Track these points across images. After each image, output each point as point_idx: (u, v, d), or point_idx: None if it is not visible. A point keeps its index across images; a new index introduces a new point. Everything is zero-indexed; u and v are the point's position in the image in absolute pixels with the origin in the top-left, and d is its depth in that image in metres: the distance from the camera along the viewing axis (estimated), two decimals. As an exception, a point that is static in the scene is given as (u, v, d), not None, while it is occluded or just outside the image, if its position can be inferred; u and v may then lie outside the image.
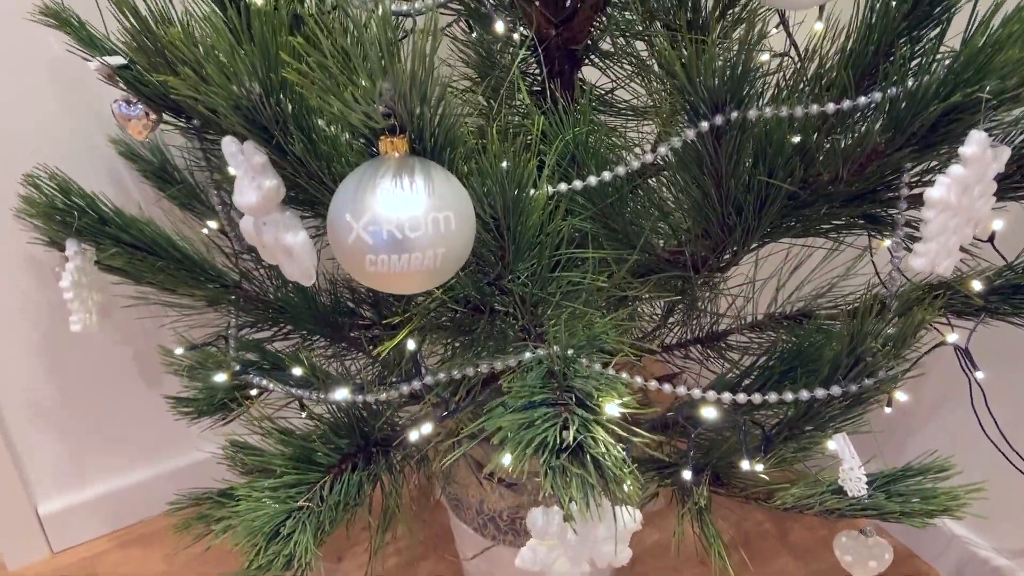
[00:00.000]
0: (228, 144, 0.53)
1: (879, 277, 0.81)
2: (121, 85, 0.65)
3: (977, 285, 0.78)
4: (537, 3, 0.76)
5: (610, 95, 0.88)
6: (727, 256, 0.72)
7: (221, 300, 0.88)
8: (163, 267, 0.82)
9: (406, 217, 0.44)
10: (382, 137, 0.46)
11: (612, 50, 0.83)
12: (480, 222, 0.55)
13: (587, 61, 0.83)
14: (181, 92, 0.49)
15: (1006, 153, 0.51)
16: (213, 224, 0.89)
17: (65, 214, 0.78)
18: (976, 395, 0.84)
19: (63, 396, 1.19)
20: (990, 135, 0.49)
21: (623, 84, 0.86)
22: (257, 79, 0.50)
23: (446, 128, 0.47)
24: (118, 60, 0.64)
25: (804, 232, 0.75)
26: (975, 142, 0.49)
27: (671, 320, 0.97)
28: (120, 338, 1.20)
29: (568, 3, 0.77)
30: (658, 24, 0.83)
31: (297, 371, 0.73)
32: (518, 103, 0.73)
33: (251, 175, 0.53)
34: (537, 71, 0.81)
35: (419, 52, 0.43)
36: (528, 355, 0.61)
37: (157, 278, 0.84)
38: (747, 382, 0.79)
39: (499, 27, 0.74)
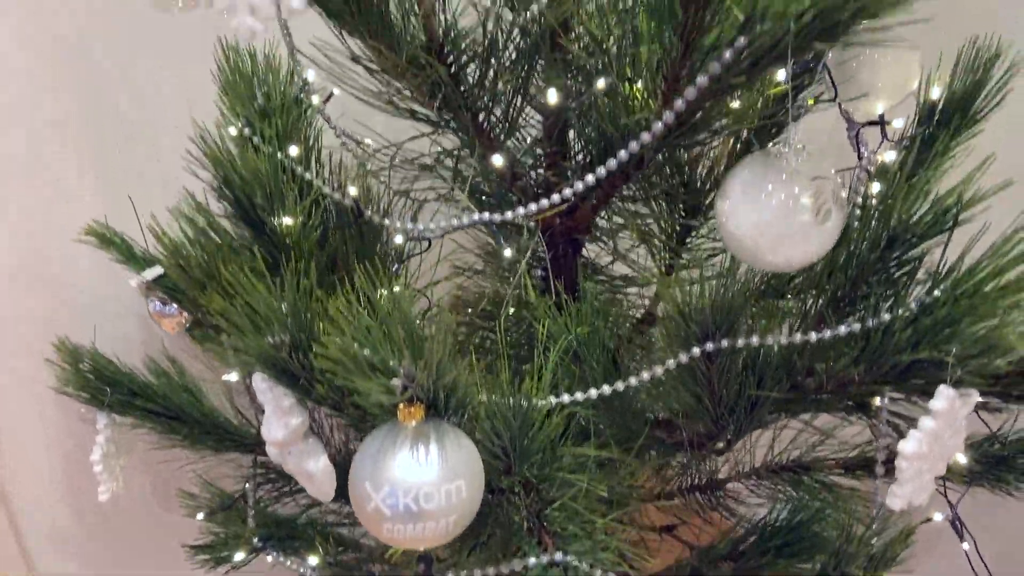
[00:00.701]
0: (259, 382, 0.58)
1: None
2: (158, 293, 0.71)
3: (962, 459, 0.82)
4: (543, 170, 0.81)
5: (610, 266, 0.93)
6: (721, 444, 0.76)
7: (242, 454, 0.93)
8: (188, 433, 0.87)
9: (422, 491, 0.48)
10: (400, 406, 0.50)
11: (612, 227, 0.89)
12: (488, 452, 0.59)
13: (589, 238, 0.89)
14: (216, 351, 0.54)
15: (975, 397, 0.55)
16: (234, 376, 0.94)
17: (98, 391, 0.83)
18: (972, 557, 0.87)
19: (85, 524, 1.23)
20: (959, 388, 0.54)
21: (622, 257, 0.91)
22: (288, 332, 0.56)
23: (460, 397, 0.51)
24: (156, 271, 0.70)
25: (795, 416, 0.79)
26: (944, 397, 0.53)
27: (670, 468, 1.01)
28: (143, 468, 1.24)
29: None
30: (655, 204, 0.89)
31: (313, 560, 0.77)
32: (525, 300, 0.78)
33: (279, 414, 0.57)
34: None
35: (439, 340, 0.48)
36: (532, 561, 0.65)
37: (183, 441, 0.88)
38: (744, 548, 0.83)
39: (507, 253, 0.79)
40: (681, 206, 0.86)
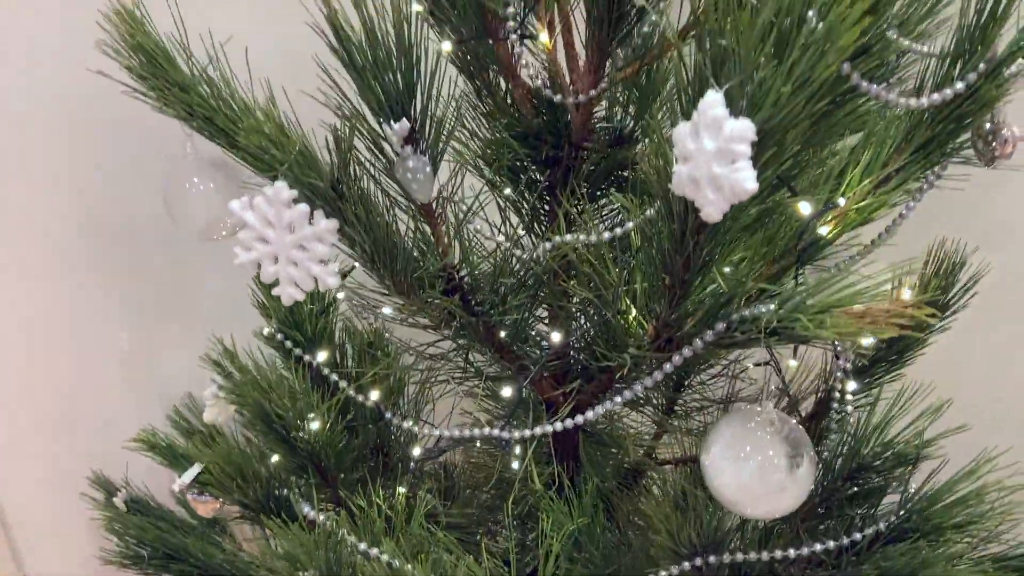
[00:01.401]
0: None
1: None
2: (195, 489, 0.78)
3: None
4: (546, 375, 0.89)
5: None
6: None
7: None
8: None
9: None
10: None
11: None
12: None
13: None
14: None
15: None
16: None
17: (136, 556, 0.90)
18: None
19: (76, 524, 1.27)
20: None
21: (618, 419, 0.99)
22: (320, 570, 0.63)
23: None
24: (195, 470, 0.77)
25: None
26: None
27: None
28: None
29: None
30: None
31: None
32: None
33: None
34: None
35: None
36: None
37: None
38: None
39: (506, 392, 0.86)
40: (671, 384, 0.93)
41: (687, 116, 0.50)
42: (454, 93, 0.83)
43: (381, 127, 0.62)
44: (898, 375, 0.88)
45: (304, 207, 0.62)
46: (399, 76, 0.61)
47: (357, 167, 0.65)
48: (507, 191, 0.82)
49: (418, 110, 0.64)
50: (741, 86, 0.48)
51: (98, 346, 1.17)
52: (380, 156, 0.65)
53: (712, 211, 0.49)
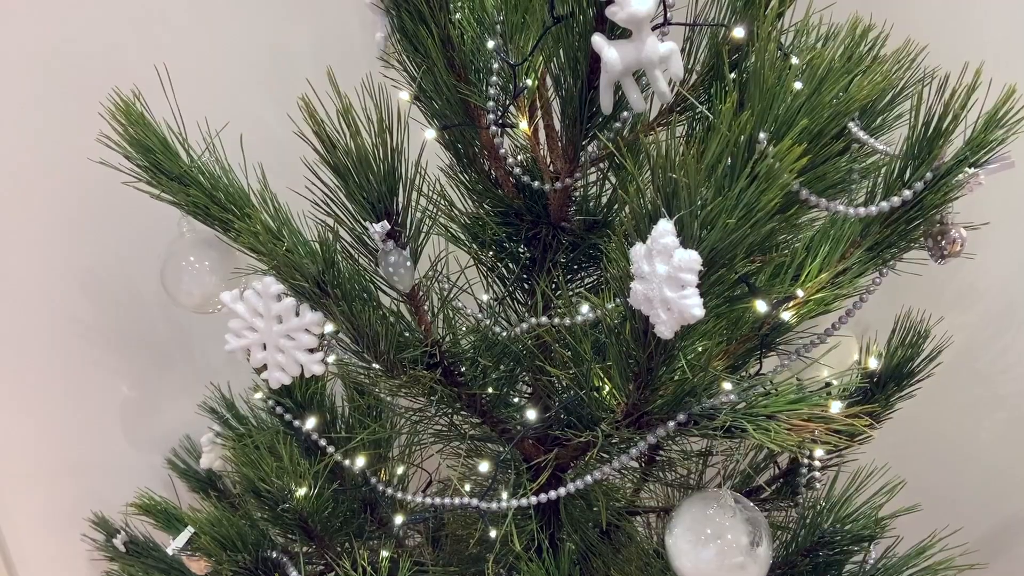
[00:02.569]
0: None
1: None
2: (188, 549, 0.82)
3: None
4: (530, 440, 0.93)
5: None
6: None
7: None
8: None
9: None
10: None
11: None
12: None
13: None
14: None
15: None
16: None
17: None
18: None
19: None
20: None
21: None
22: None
23: None
24: (186, 535, 0.81)
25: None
26: None
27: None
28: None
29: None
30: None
31: None
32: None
33: None
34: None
35: None
36: None
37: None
38: None
39: (483, 468, 0.90)
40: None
41: (643, 239, 0.54)
42: (438, 171, 0.87)
43: (364, 224, 0.66)
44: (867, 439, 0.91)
45: (291, 301, 0.66)
46: (382, 179, 0.65)
47: (342, 258, 0.69)
48: (489, 266, 0.86)
49: (400, 206, 0.68)
50: (691, 216, 0.51)
51: (100, 392, 1.21)
52: (363, 250, 0.69)
53: (664, 329, 0.53)
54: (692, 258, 0.50)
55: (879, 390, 0.89)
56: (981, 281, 0.99)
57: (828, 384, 0.87)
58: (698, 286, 0.51)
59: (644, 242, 0.53)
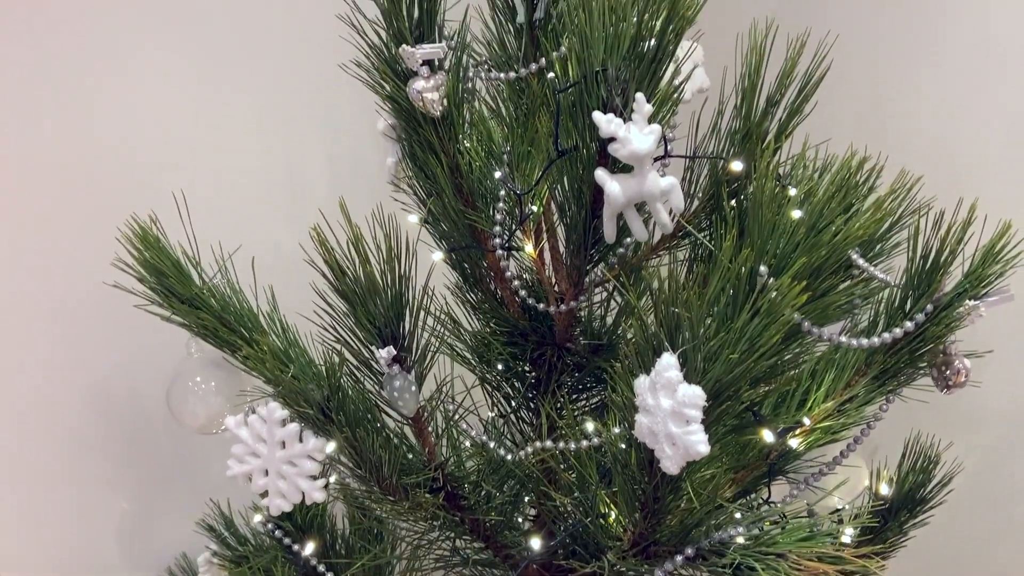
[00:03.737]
0: None
1: None
2: None
3: None
4: (536, 566, 0.90)
5: None
6: None
7: None
8: None
9: None
10: None
11: None
12: None
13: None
14: None
15: None
16: None
17: None
18: None
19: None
20: None
21: None
22: None
23: None
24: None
25: None
26: None
27: None
28: None
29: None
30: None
31: None
32: None
33: None
34: None
35: None
36: None
37: None
38: None
39: None
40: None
41: (647, 370, 0.54)
42: (444, 289, 0.89)
43: (370, 349, 0.67)
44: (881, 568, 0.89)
45: (295, 427, 0.65)
46: (389, 305, 0.66)
47: (348, 382, 0.69)
48: (495, 385, 0.86)
49: (406, 331, 0.68)
50: (694, 349, 0.52)
51: (98, 506, 1.19)
52: (369, 373, 0.70)
53: (670, 464, 0.52)
54: (696, 394, 0.50)
55: (892, 517, 0.87)
56: (991, 402, 0.99)
57: (838, 511, 0.86)
58: (703, 421, 0.51)
59: (648, 374, 0.54)
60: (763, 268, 0.57)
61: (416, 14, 0.72)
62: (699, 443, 0.50)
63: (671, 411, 0.51)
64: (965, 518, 1.00)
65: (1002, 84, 0.96)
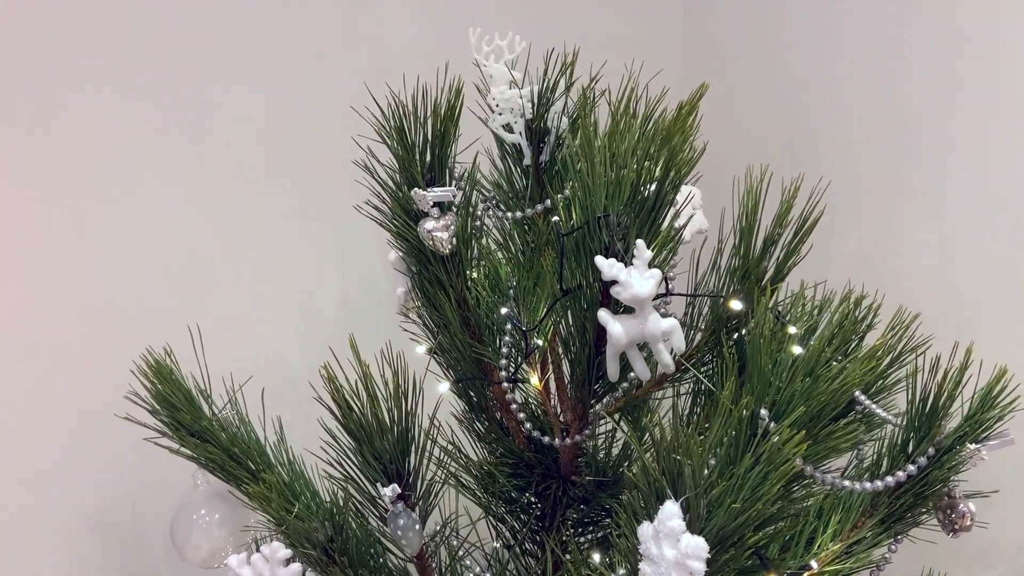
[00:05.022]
0: None
1: None
2: None
3: None
4: None
5: None
6: None
7: None
8: None
9: None
10: None
11: None
12: None
13: None
14: None
15: None
16: None
17: None
18: None
19: None
20: None
21: None
22: None
23: None
24: None
25: None
26: None
27: None
28: None
29: None
30: None
31: None
32: None
33: None
34: None
35: None
36: None
37: None
38: None
39: None
40: None
41: (650, 518, 0.54)
42: (450, 416, 0.89)
43: (375, 486, 0.67)
44: None
45: (297, 567, 0.65)
46: (395, 442, 0.66)
47: (352, 518, 0.69)
48: (499, 518, 0.85)
49: (412, 468, 0.69)
50: (696, 497, 0.52)
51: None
52: (373, 509, 0.70)
53: (674, 616, 0.52)
54: (699, 545, 0.50)
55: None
56: (1000, 539, 0.97)
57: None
58: (707, 573, 0.50)
59: (651, 521, 0.54)
60: (764, 412, 0.58)
61: (428, 159, 0.76)
62: (703, 596, 0.50)
63: (674, 562, 0.51)
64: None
65: (998, 225, 0.99)
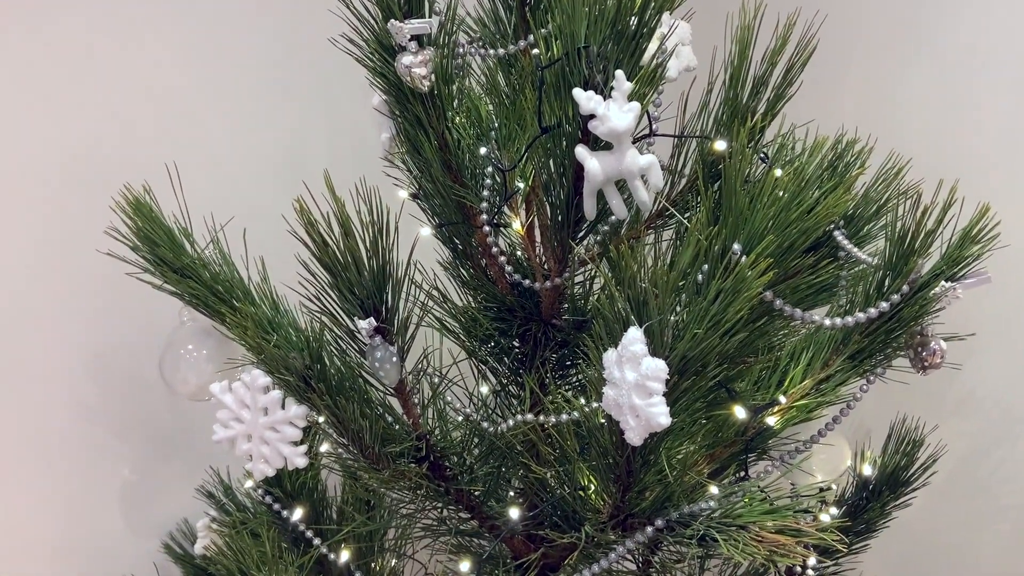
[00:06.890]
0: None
1: None
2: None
3: None
4: (521, 537, 0.92)
5: None
6: None
7: None
8: None
9: None
10: None
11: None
12: None
13: None
14: None
15: None
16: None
17: None
18: None
19: None
20: None
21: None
22: None
23: None
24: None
25: None
26: None
27: None
28: None
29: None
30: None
31: None
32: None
33: None
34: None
35: None
36: None
37: None
38: None
39: (464, 568, 0.89)
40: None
41: (615, 344, 0.55)
42: (436, 264, 0.90)
43: (352, 321, 0.68)
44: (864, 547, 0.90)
45: (277, 394, 0.67)
46: (371, 277, 0.67)
47: (332, 351, 0.71)
48: (481, 359, 0.87)
49: (389, 304, 0.70)
50: (659, 325, 0.53)
51: (101, 476, 1.22)
52: (353, 344, 0.71)
53: (633, 436, 0.53)
54: (659, 367, 0.51)
55: (874, 498, 0.87)
56: (980, 388, 0.98)
57: (822, 490, 0.86)
58: (666, 394, 0.51)
59: (616, 348, 0.54)
60: (736, 246, 0.57)
61: (405, -12, 0.72)
62: (660, 415, 0.51)
63: (635, 384, 0.52)
64: (951, 503, 1.01)
65: (997, 70, 0.95)
